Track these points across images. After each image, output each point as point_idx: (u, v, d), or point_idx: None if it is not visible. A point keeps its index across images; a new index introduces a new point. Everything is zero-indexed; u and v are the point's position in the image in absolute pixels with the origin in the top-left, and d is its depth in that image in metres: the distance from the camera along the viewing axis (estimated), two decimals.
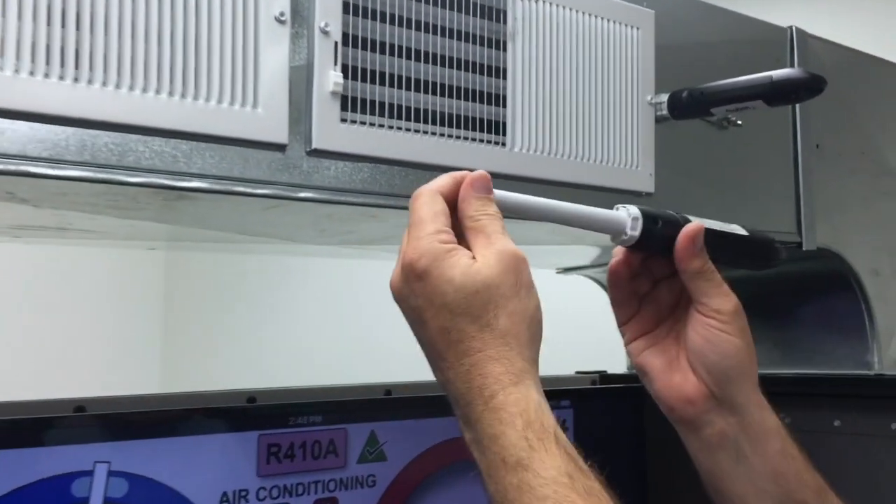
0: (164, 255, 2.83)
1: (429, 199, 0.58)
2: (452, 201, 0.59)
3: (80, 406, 0.85)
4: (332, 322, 2.41)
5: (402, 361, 2.24)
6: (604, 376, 1.26)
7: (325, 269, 2.42)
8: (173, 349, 2.91)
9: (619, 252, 0.69)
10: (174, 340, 2.93)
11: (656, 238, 0.64)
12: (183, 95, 0.59)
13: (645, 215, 0.64)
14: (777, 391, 1.16)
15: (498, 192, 0.61)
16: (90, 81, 0.56)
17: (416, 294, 0.56)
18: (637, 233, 0.63)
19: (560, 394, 1.15)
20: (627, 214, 0.63)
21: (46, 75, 0.54)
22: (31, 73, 0.54)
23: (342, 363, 2.31)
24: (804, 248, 1.01)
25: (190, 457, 0.87)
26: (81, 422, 0.84)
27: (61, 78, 0.55)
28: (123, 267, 2.84)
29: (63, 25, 0.55)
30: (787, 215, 1.00)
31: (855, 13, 1.70)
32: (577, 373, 1.28)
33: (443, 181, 0.59)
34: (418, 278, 0.55)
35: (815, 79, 0.78)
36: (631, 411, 1.22)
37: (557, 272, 1.35)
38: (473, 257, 0.56)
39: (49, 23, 0.54)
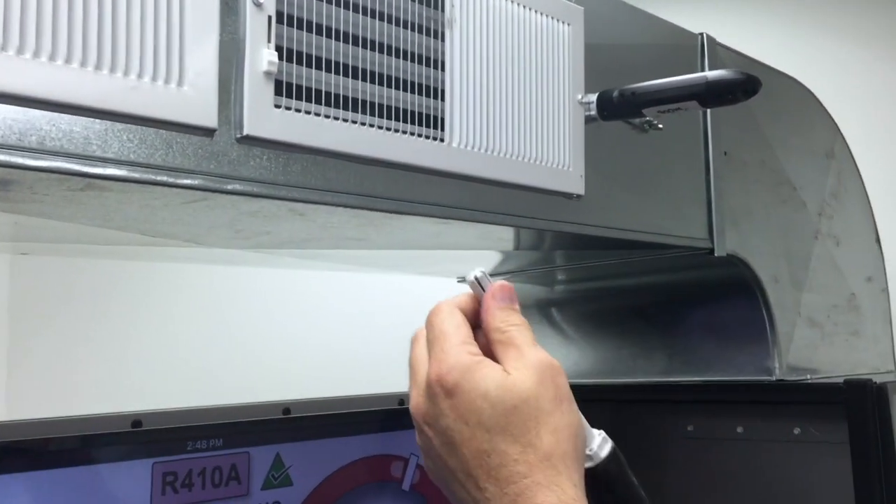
0: (8, 259, 2.56)
1: (448, 313, 0.53)
2: (472, 318, 0.54)
3: None
4: (206, 334, 2.27)
5: (278, 374, 2.13)
6: None
7: (198, 278, 2.27)
8: (21, 369, 2.63)
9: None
10: (21, 360, 2.65)
11: (616, 480, 0.57)
12: (98, 67, 0.50)
13: (616, 451, 0.57)
14: (680, 399, 1.17)
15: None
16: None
17: (445, 414, 0.50)
18: (602, 454, 0.56)
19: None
20: (601, 435, 0.57)
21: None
22: None
23: (216, 378, 2.17)
24: (716, 255, 1.01)
25: (67, 492, 0.76)
26: None
27: None
28: None
29: None
30: (700, 221, 1.00)
31: (765, 21, 1.77)
32: None
33: (460, 297, 0.55)
34: (448, 395, 0.49)
35: (750, 80, 0.77)
36: None
37: (458, 281, 1.31)
38: (506, 371, 0.50)
39: None
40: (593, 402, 1.25)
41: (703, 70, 1.03)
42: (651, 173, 0.95)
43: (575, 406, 0.52)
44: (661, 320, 1.23)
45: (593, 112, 0.85)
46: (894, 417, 1.01)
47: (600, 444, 0.56)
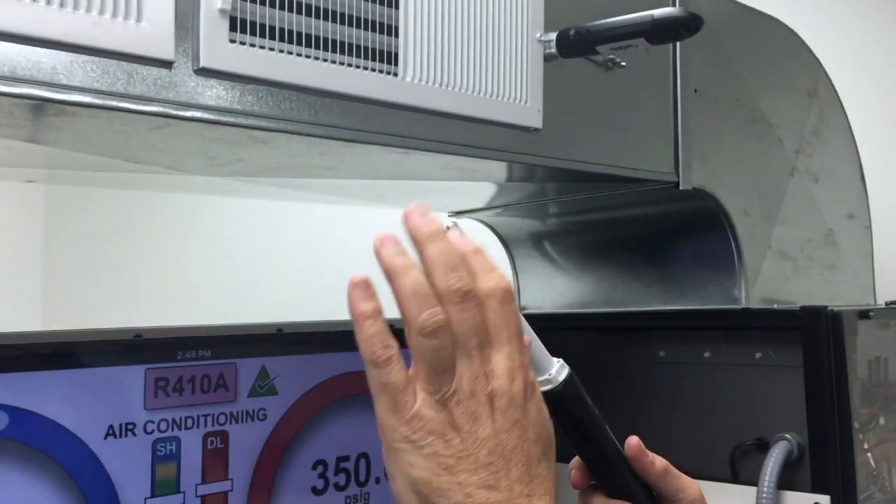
0: (44, 188, 2.71)
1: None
2: None
3: None
4: (223, 263, 2.38)
5: (294, 305, 2.24)
6: None
7: (214, 210, 2.39)
8: (56, 289, 2.82)
9: (574, 464, 0.68)
10: (57, 280, 2.84)
11: (573, 401, 0.63)
12: (62, 5, 0.57)
13: (572, 376, 0.63)
14: (653, 325, 1.24)
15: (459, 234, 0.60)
16: None
17: (527, 407, 0.54)
18: (560, 378, 0.62)
19: None
20: (559, 364, 0.63)
21: None
22: None
23: (233, 305, 2.29)
24: (681, 188, 1.06)
25: (72, 390, 0.86)
26: None
27: None
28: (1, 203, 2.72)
29: None
30: (666, 156, 1.05)
31: None
32: None
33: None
34: (534, 391, 0.55)
35: (693, 17, 0.81)
36: None
37: (449, 215, 1.37)
38: None
39: None
40: (576, 330, 1.32)
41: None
42: (616, 109, 1.00)
43: None
44: (641, 252, 1.29)
45: (553, 50, 0.90)
46: (859, 346, 1.06)
47: (558, 369, 0.62)
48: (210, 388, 0.95)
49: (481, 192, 1.20)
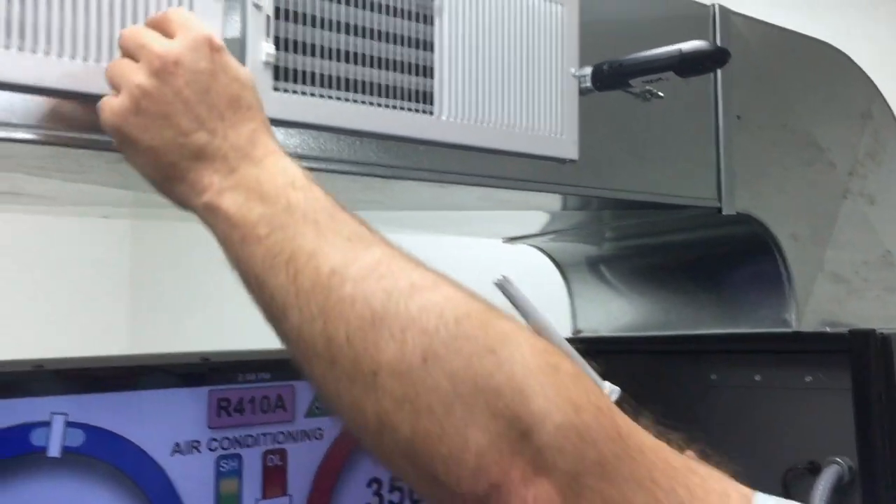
0: (129, 223, 2.89)
1: None
2: None
3: (38, 364, 0.91)
4: None
5: None
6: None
7: None
8: (140, 315, 2.99)
9: None
10: (141, 309, 3.01)
11: None
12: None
13: (625, 400, 0.65)
14: (704, 349, 1.25)
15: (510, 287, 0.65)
16: (33, 51, 0.61)
17: (208, 64, 0.60)
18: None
19: None
20: (610, 388, 0.66)
21: (5, 46, 0.59)
22: None
23: None
24: (724, 213, 1.07)
25: (143, 410, 0.93)
26: (38, 376, 0.89)
27: (7, 48, 0.60)
28: (87, 237, 2.91)
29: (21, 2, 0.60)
30: (708, 182, 1.07)
31: None
32: None
33: None
34: (217, 50, 0.61)
35: (719, 51, 0.84)
36: None
37: (504, 241, 1.41)
38: None
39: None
40: (629, 353, 1.34)
41: (715, 41, 1.09)
42: (655, 137, 1.03)
43: None
44: (693, 276, 1.30)
45: (589, 84, 0.93)
46: None
47: (608, 394, 0.66)
48: (269, 408, 1.01)
49: (532, 218, 1.24)
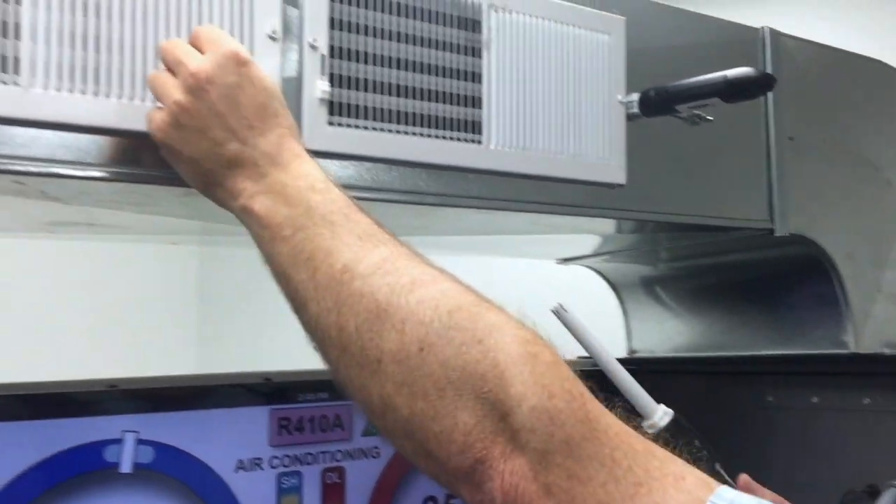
0: (196, 249, 2.99)
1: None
2: None
3: (112, 384, 0.96)
4: None
5: None
6: None
7: None
8: (207, 336, 3.08)
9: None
10: (208, 330, 3.10)
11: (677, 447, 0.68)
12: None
13: (677, 421, 0.67)
14: (761, 371, 1.24)
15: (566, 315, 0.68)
16: (107, 95, 0.66)
17: (237, 77, 0.64)
18: (662, 424, 0.67)
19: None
20: (663, 411, 0.68)
21: (82, 91, 0.64)
22: (58, 90, 0.64)
23: None
24: (776, 235, 1.08)
25: (208, 427, 0.97)
26: (112, 396, 0.94)
27: (83, 92, 0.65)
28: (158, 263, 3.02)
29: (84, 48, 0.65)
30: (759, 204, 1.07)
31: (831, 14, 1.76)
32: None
33: None
34: (243, 64, 0.65)
35: (765, 76, 0.85)
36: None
37: (558, 262, 1.43)
38: None
39: (73, 45, 0.64)
40: (684, 374, 1.34)
41: (765, 64, 1.10)
42: (704, 160, 1.04)
43: None
44: (748, 296, 1.30)
45: (636, 110, 0.95)
46: None
47: (660, 416, 0.68)
48: (328, 427, 1.05)
49: (585, 240, 1.26)
